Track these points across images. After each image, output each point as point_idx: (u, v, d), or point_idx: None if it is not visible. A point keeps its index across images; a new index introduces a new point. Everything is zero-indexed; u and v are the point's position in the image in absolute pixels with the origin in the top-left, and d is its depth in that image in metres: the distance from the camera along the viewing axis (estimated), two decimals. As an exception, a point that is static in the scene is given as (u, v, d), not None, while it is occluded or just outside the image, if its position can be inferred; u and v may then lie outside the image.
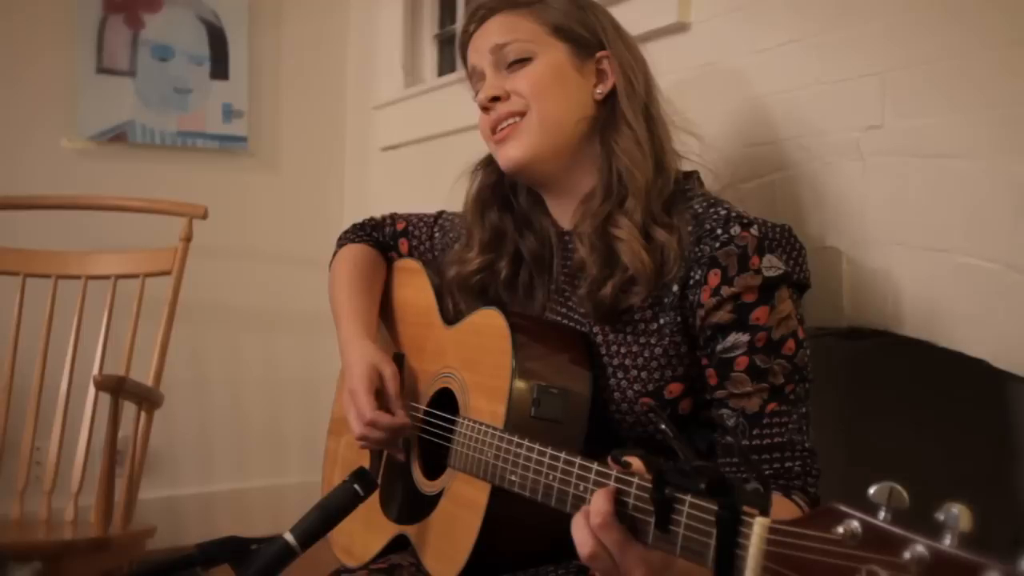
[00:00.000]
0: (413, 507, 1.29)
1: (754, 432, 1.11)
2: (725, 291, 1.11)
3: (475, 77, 1.33)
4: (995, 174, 1.17)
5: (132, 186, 2.59)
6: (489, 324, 1.23)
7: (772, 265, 1.12)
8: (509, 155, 1.26)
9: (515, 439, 1.06)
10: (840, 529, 0.63)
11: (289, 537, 1.06)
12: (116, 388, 2.00)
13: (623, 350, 1.19)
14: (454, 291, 1.39)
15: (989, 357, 1.18)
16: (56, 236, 2.49)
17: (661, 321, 1.17)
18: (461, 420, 1.20)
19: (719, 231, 1.13)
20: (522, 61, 1.26)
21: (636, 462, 0.87)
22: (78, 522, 2.16)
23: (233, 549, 1.04)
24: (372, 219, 1.61)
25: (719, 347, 1.12)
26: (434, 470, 1.28)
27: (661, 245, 1.17)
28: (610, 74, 1.27)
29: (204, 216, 2.37)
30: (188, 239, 2.34)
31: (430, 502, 1.25)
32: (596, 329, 1.22)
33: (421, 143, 2.70)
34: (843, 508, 0.64)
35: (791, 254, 1.15)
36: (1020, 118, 1.15)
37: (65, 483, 2.23)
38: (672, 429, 0.83)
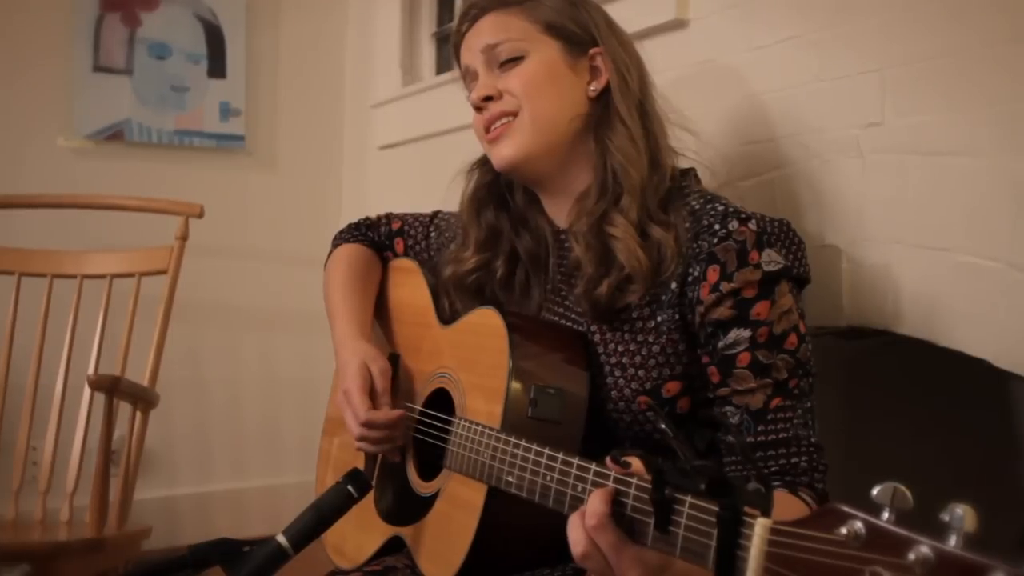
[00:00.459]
0: (408, 508, 1.28)
1: (759, 428, 1.10)
2: (724, 287, 1.10)
3: (468, 77, 1.32)
4: (996, 172, 1.17)
5: (129, 185, 2.58)
6: (486, 324, 1.22)
7: (772, 259, 1.11)
8: (502, 154, 1.26)
9: (512, 440, 1.05)
10: (843, 530, 0.62)
11: (282, 539, 1.05)
12: (110, 388, 1.99)
13: (620, 348, 1.18)
14: (450, 290, 1.38)
15: (990, 356, 1.18)
16: (52, 235, 2.48)
17: (659, 319, 1.16)
18: (457, 420, 1.20)
19: (717, 226, 1.13)
20: (514, 60, 1.26)
21: (636, 462, 0.86)
22: (73, 522, 2.15)
23: (225, 551, 1.03)
24: (368, 219, 1.60)
25: (720, 344, 1.11)
26: (429, 471, 1.27)
27: (658, 243, 1.17)
28: (604, 71, 1.26)
29: (200, 215, 2.37)
30: (184, 238, 2.34)
31: (425, 503, 1.24)
32: (593, 328, 1.22)
33: (419, 141, 2.69)
34: (846, 509, 0.63)
35: (790, 248, 1.14)
36: (1020, 115, 1.14)
37: (61, 483, 2.22)
38: (671, 428, 0.82)
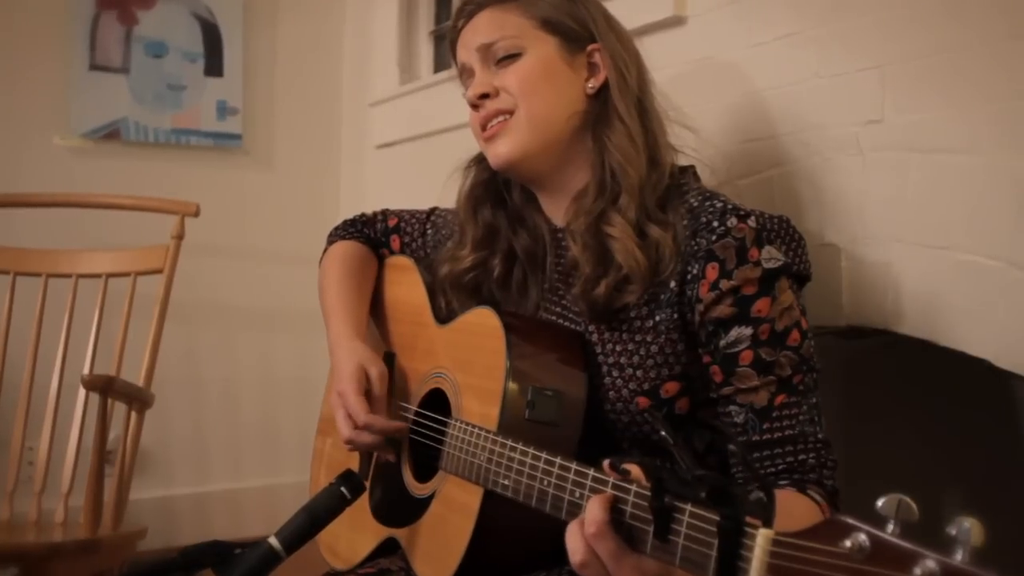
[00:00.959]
0: (403, 510, 1.26)
1: (764, 426, 1.08)
2: (724, 285, 1.09)
3: (465, 74, 1.31)
4: (996, 170, 1.16)
5: (126, 184, 2.56)
6: (482, 324, 1.21)
7: (771, 256, 1.10)
8: (498, 152, 1.25)
9: (508, 442, 1.04)
10: (847, 543, 0.60)
11: (274, 541, 1.05)
12: (105, 388, 1.98)
13: (618, 348, 1.17)
14: (446, 289, 1.37)
15: (990, 355, 1.17)
16: (48, 234, 2.46)
17: (657, 318, 1.15)
18: (453, 422, 1.18)
19: (715, 224, 1.11)
20: (511, 57, 1.24)
21: (635, 469, 0.84)
22: (68, 523, 2.14)
23: (216, 553, 1.02)
24: (363, 215, 1.58)
25: (722, 342, 1.10)
26: (425, 472, 1.25)
27: (656, 242, 1.15)
28: (602, 67, 1.25)
29: (196, 214, 2.36)
30: (180, 237, 2.33)
31: (420, 505, 1.22)
32: (591, 328, 1.20)
33: (417, 140, 2.68)
34: (850, 520, 0.61)
35: (790, 245, 1.13)
36: (1020, 113, 1.13)
37: (56, 483, 2.21)
38: (671, 435, 0.80)
